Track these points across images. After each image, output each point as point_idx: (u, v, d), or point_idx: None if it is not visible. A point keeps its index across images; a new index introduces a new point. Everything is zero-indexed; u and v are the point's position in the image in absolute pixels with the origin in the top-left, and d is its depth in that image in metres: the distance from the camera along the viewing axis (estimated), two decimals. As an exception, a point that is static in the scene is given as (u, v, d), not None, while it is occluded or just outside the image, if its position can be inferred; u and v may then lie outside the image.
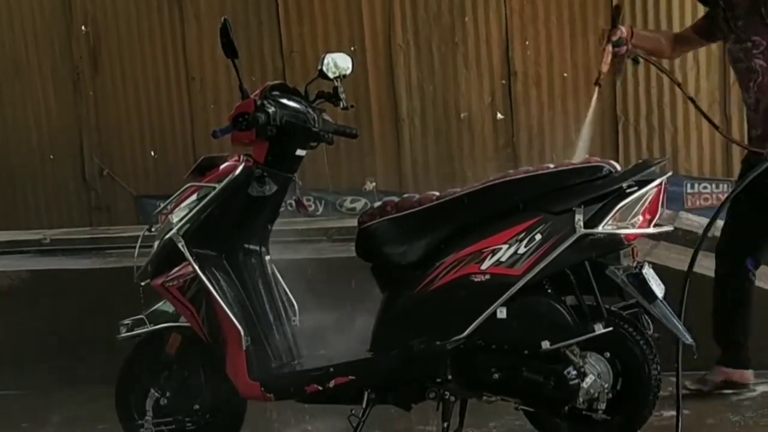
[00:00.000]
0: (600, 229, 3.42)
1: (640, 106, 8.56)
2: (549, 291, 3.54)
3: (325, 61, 3.82)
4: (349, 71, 3.87)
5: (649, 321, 3.59)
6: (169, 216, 3.80)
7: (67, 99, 9.56)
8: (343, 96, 3.88)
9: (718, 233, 4.52)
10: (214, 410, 3.89)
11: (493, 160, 8.70)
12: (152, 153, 9.53)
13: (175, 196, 3.81)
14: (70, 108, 9.57)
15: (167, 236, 3.75)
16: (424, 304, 3.58)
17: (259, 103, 3.70)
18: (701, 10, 4.78)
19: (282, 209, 3.95)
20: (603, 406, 3.52)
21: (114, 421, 4.06)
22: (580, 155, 4.16)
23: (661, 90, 8.48)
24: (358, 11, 8.87)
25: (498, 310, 3.49)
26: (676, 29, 7.48)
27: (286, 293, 3.97)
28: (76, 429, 4.65)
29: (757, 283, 4.54)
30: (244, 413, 3.94)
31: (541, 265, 3.44)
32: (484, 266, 3.49)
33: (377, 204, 3.76)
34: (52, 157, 9.68)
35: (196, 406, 3.87)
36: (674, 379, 3.66)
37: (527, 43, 8.67)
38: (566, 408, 3.55)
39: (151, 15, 9.35)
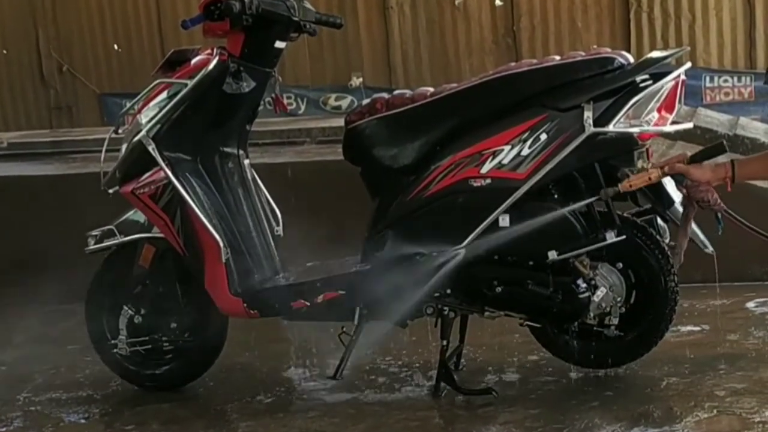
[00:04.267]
0: (611, 127, 3.38)
1: (653, -10, 8.48)
2: (556, 196, 3.51)
3: (306, -58, 3.75)
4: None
5: (666, 228, 3.58)
6: (137, 116, 3.76)
7: (19, -13, 9.44)
8: (326, -19, 3.82)
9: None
10: (193, 329, 3.89)
11: (491, 52, 8.62)
12: (116, 46, 9.43)
13: (142, 94, 3.76)
14: (24, -3, 9.46)
15: (136, 138, 3.70)
16: (419, 212, 3.56)
17: (233, -11, 3.63)
18: None
19: (261, 108, 3.91)
20: (615, 321, 3.53)
21: (85, 340, 4.06)
22: None
23: (677, -28, 8.40)
24: None
25: (500, 218, 3.47)
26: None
27: (268, 200, 3.95)
28: (43, 350, 4.65)
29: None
30: (226, 331, 3.94)
31: (547, 167, 3.41)
32: (484, 169, 3.46)
33: (365, 101, 3.70)
34: (5, 52, 9.57)
35: (174, 325, 3.87)
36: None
37: None
38: (576, 324, 3.57)
39: None
